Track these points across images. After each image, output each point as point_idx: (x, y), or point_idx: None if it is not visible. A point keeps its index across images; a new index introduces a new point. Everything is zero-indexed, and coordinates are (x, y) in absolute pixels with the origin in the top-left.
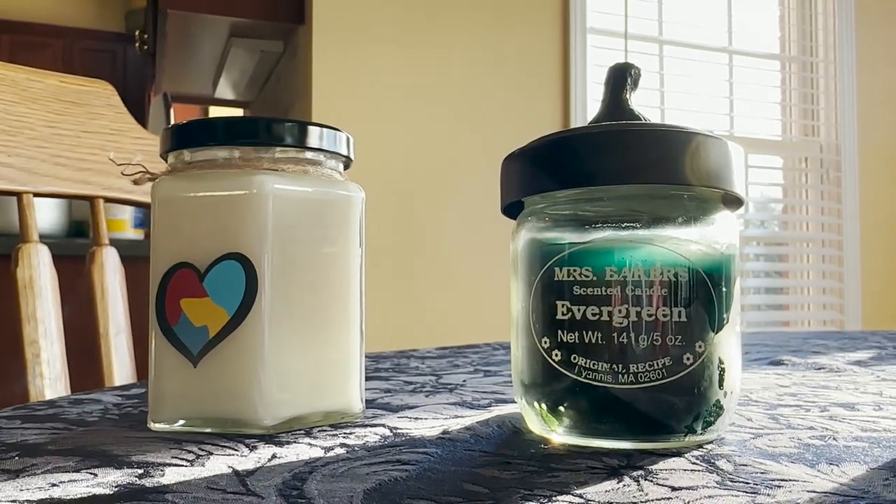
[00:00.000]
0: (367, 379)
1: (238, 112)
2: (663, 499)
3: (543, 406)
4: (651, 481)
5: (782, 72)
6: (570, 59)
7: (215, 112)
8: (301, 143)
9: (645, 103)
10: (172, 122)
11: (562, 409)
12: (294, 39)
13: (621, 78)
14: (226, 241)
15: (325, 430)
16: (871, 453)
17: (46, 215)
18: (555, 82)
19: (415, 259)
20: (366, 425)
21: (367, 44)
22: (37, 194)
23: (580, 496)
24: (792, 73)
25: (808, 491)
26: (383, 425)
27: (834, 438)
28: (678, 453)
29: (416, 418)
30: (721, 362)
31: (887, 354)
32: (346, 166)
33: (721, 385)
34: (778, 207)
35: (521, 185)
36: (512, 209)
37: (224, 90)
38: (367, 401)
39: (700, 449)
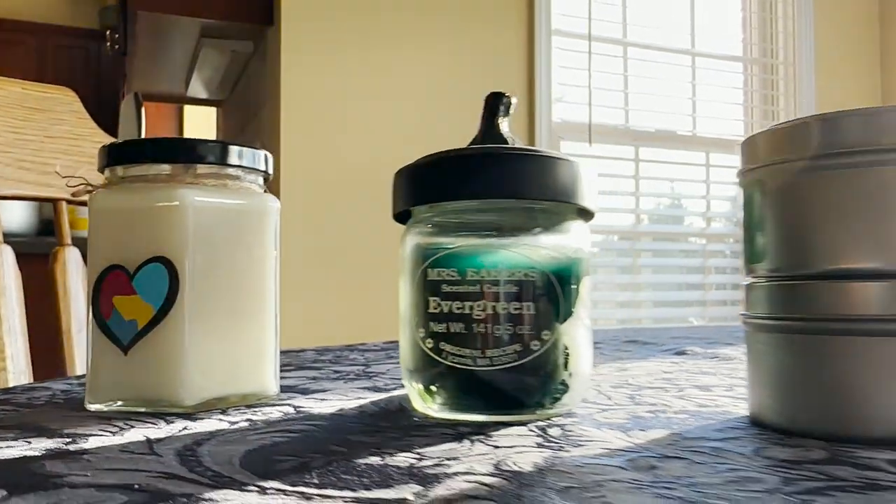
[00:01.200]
0: (302, 368)
1: (211, 111)
2: (482, 454)
3: (420, 386)
4: (483, 442)
5: (744, 73)
6: (535, 61)
7: (189, 111)
8: (221, 161)
9: (609, 104)
10: (143, 120)
11: (433, 388)
12: (264, 40)
13: (496, 105)
14: (152, 246)
15: (240, 410)
16: (683, 423)
17: (16, 215)
18: (520, 84)
19: (391, 254)
20: (276, 405)
21: (334, 45)
22: (1, 197)
23: (418, 454)
24: (753, 75)
25: (601, 448)
26: (290, 405)
27: (664, 412)
28: (525, 424)
29: (323, 399)
30: (566, 348)
31: None
32: (266, 180)
33: (566, 367)
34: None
35: (408, 197)
36: (401, 217)
37: (196, 89)
38: (290, 386)
39: (547, 420)
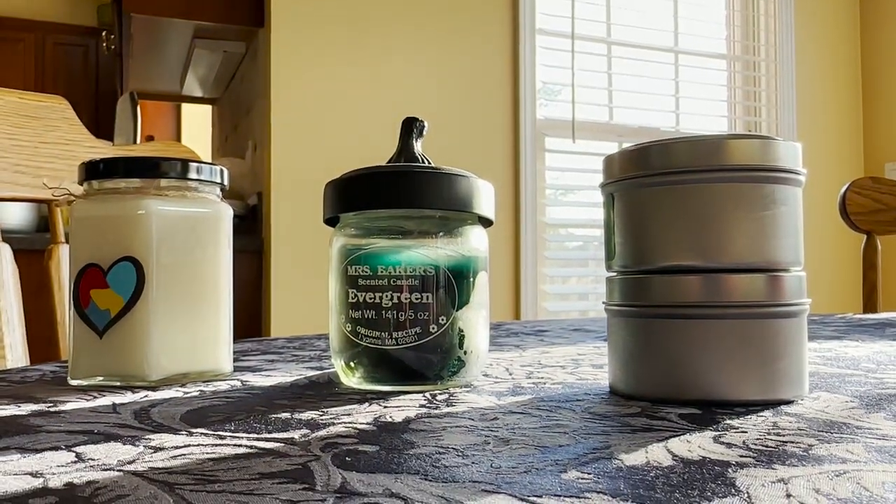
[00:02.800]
0: (267, 353)
1: (207, 108)
2: (371, 411)
3: (342, 363)
4: (378, 404)
5: (728, 70)
6: (519, 60)
7: (187, 108)
8: (181, 176)
9: (594, 101)
10: (139, 119)
11: (352, 364)
12: (255, 41)
13: (410, 128)
14: (122, 247)
15: (196, 384)
16: (550, 391)
17: (17, 213)
18: (505, 82)
19: None
20: (227, 380)
21: (323, 46)
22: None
23: (322, 412)
24: (736, 72)
25: (468, 407)
26: (239, 380)
27: (544, 384)
28: (424, 392)
29: (268, 376)
30: (461, 331)
31: None
32: (223, 190)
33: (461, 346)
34: None
35: (335, 205)
36: (330, 221)
37: (192, 87)
38: (247, 367)
39: (443, 390)
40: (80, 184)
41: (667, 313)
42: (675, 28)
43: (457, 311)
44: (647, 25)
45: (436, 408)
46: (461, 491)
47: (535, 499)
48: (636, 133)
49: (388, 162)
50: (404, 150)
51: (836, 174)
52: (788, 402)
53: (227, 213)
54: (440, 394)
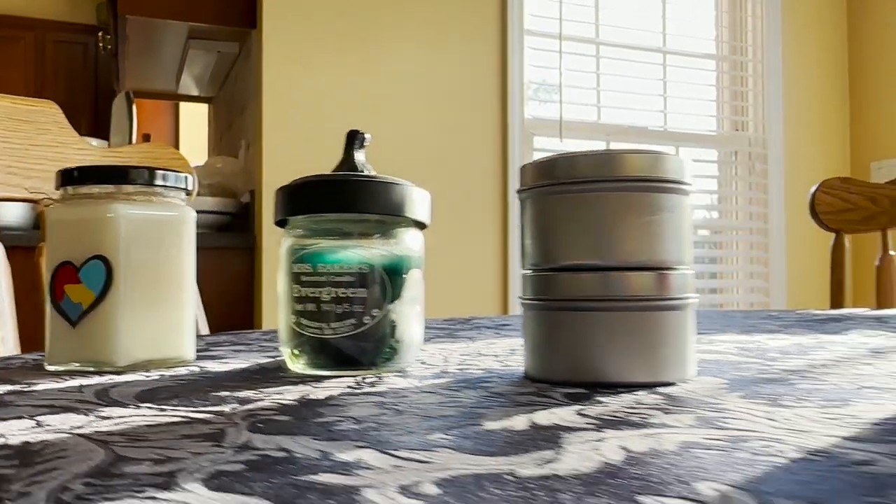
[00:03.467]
0: (237, 345)
1: (199, 106)
2: (301, 391)
3: (289, 351)
4: (311, 385)
5: (716, 70)
6: (508, 60)
7: (184, 107)
8: (148, 182)
9: (582, 101)
10: (135, 118)
11: (297, 352)
12: (248, 42)
13: (352, 139)
14: (93, 247)
15: (160, 370)
16: (469, 376)
17: (15, 211)
18: (494, 82)
19: None
20: (188, 366)
21: (314, 47)
22: None
23: (259, 391)
24: (724, 72)
25: (388, 388)
26: (198, 366)
27: (468, 370)
28: (356, 376)
29: (226, 363)
30: (393, 322)
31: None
32: (188, 194)
33: (393, 336)
34: (715, 198)
35: (284, 209)
36: (280, 223)
37: (188, 86)
38: (212, 356)
39: (378, 376)
40: (57, 189)
41: (568, 306)
42: (663, 29)
43: (389, 304)
44: (636, 26)
45: (359, 388)
46: (336, 446)
47: (391, 451)
48: (624, 132)
49: (334, 170)
50: (347, 159)
51: (822, 173)
52: (670, 384)
53: (190, 216)
54: (371, 378)
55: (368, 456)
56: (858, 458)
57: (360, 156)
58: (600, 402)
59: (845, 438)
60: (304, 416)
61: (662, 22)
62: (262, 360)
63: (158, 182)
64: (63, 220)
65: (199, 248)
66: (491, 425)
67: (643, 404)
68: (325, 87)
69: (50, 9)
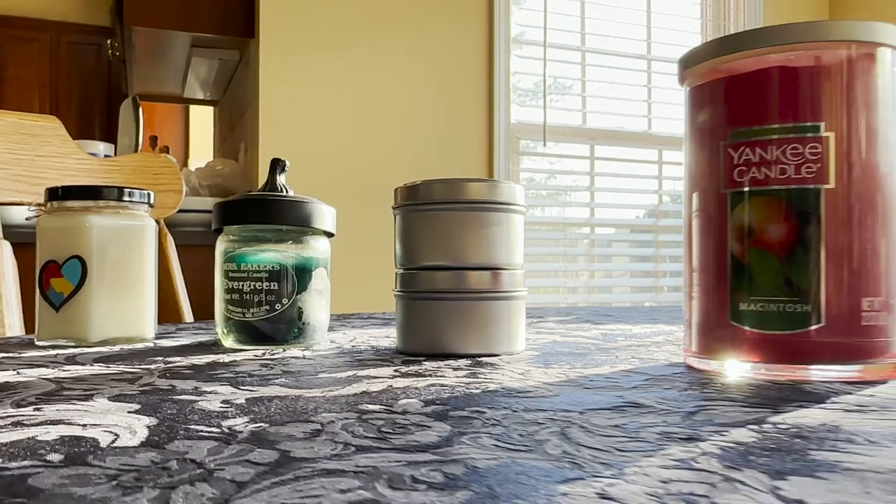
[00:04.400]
0: (198, 329)
1: (208, 109)
2: (214, 358)
3: (220, 330)
4: (227, 355)
5: None
6: (494, 66)
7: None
8: (117, 199)
9: (568, 106)
10: (141, 121)
11: (226, 331)
12: (247, 50)
13: (275, 166)
14: (73, 249)
15: (123, 345)
16: (354, 351)
17: (23, 212)
18: (481, 88)
19: (357, 247)
20: (146, 343)
21: (309, 55)
22: (1, 203)
23: (185, 358)
24: None
25: (281, 357)
26: (154, 343)
27: (353, 349)
28: (267, 350)
29: (176, 341)
30: (300, 308)
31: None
32: (151, 206)
33: (300, 319)
34: None
35: (220, 220)
36: (217, 231)
37: (193, 90)
38: (171, 336)
39: (287, 351)
40: (45, 203)
41: (425, 297)
42: (647, 37)
43: (297, 294)
44: (621, 35)
45: (262, 356)
46: (208, 385)
47: (238, 386)
48: (608, 136)
49: (259, 190)
50: (270, 182)
51: None
52: (496, 356)
53: (151, 224)
54: (278, 351)
55: (222, 388)
56: (547, 393)
57: (281, 179)
58: (418, 363)
59: (545, 383)
60: (202, 370)
61: (647, 30)
62: (208, 338)
63: (125, 198)
64: (49, 228)
65: (197, 245)
66: (325, 376)
67: (450, 366)
68: (318, 94)
69: (64, 10)
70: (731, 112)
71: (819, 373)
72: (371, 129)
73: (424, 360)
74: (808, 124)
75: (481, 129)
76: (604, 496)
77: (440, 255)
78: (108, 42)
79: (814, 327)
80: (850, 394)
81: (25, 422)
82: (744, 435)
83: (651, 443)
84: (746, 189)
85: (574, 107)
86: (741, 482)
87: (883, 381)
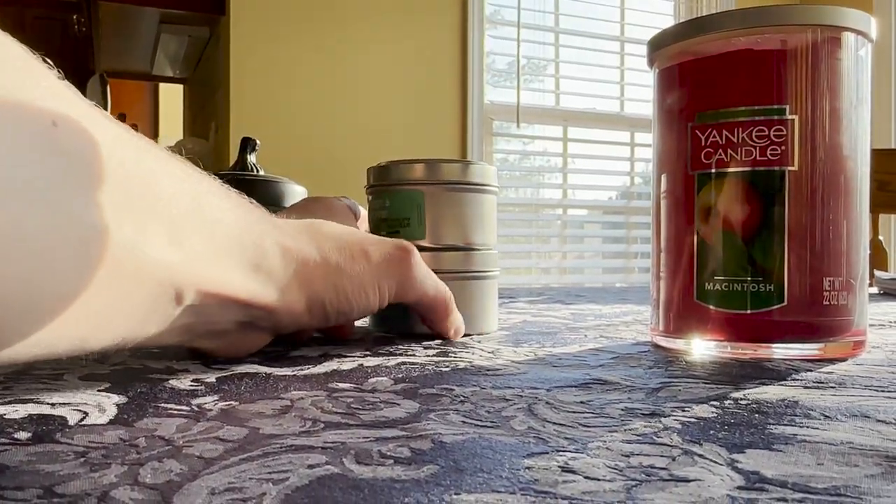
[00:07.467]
0: None
1: (178, 87)
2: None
3: None
4: None
5: None
6: (468, 48)
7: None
8: None
9: (541, 88)
10: (108, 99)
11: None
12: (218, 27)
13: (246, 145)
14: None
15: None
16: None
17: None
18: (454, 68)
19: None
20: None
21: (281, 33)
22: None
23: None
24: None
25: None
26: None
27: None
28: None
29: None
30: None
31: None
32: None
33: None
34: None
35: None
36: None
37: (162, 67)
38: None
39: None
40: None
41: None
42: (621, 19)
43: None
44: (595, 16)
45: None
46: (183, 364)
47: (212, 365)
48: (581, 117)
49: (229, 169)
50: (240, 161)
51: None
52: (468, 335)
53: None
54: None
55: (193, 367)
56: (516, 371)
57: (251, 158)
58: (394, 345)
59: (514, 362)
60: (174, 349)
61: (621, 12)
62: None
63: None
64: None
65: None
66: (295, 355)
67: (421, 346)
68: (289, 72)
69: None
70: (698, 94)
71: (781, 351)
72: (343, 108)
73: (396, 340)
74: (774, 107)
75: (455, 110)
76: (566, 469)
77: (456, 237)
78: (75, 17)
79: (776, 306)
80: (811, 371)
81: None
82: (705, 411)
83: (615, 418)
84: (713, 171)
85: (548, 88)
86: (700, 455)
87: (842, 359)
